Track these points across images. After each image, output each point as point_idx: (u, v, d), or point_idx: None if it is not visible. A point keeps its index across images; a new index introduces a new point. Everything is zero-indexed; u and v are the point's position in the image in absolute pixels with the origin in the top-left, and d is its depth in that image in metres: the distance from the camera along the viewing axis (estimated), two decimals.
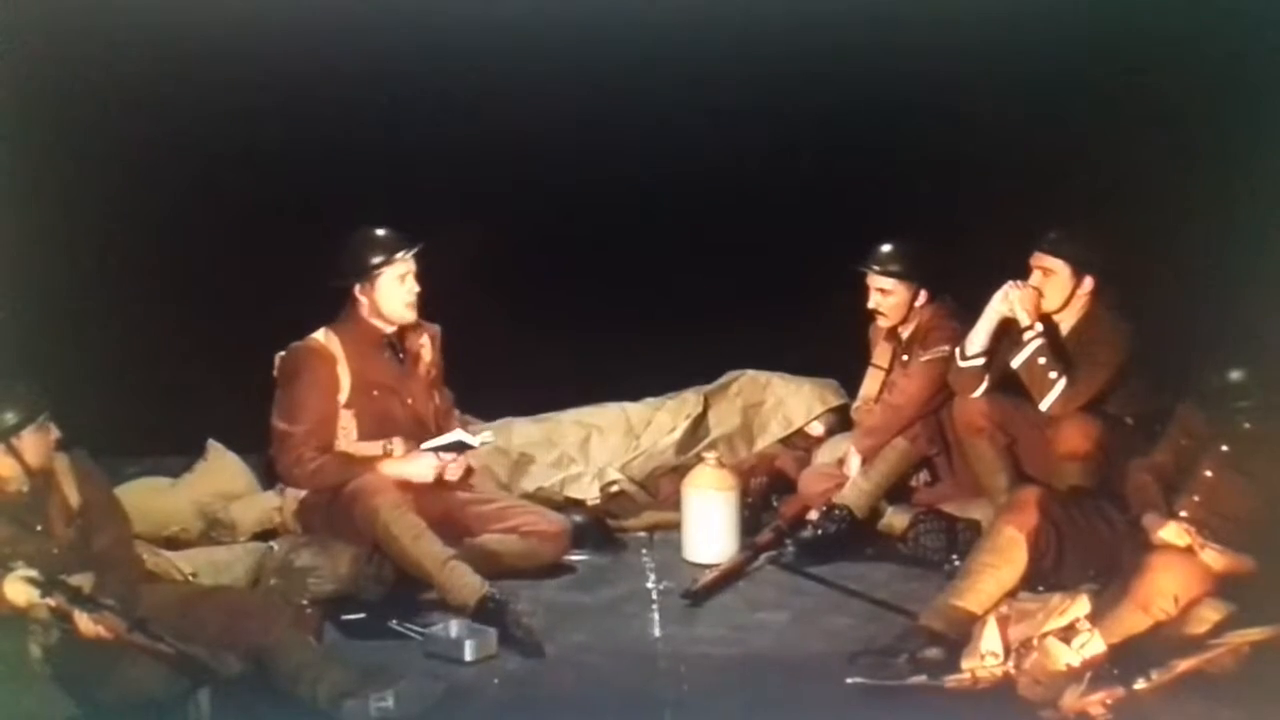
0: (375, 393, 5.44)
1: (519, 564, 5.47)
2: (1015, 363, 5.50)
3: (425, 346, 5.58)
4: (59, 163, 6.10)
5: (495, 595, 5.06)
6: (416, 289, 5.46)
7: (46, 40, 5.96)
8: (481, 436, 5.54)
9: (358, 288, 5.44)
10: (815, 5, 6.05)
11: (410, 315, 5.48)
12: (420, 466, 5.41)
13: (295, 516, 5.49)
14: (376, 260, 5.40)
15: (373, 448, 5.42)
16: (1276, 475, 4.67)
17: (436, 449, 5.43)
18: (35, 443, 4.56)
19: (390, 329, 5.49)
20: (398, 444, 5.45)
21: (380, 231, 5.48)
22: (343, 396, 5.39)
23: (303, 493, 5.46)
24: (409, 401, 5.51)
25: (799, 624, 5.19)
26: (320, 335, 5.45)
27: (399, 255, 5.41)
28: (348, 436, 5.44)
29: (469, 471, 5.58)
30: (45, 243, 6.09)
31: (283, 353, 5.52)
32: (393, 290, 5.43)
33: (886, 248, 5.84)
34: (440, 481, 5.46)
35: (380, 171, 6.34)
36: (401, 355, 5.52)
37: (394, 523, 5.20)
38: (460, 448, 5.45)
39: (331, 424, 5.40)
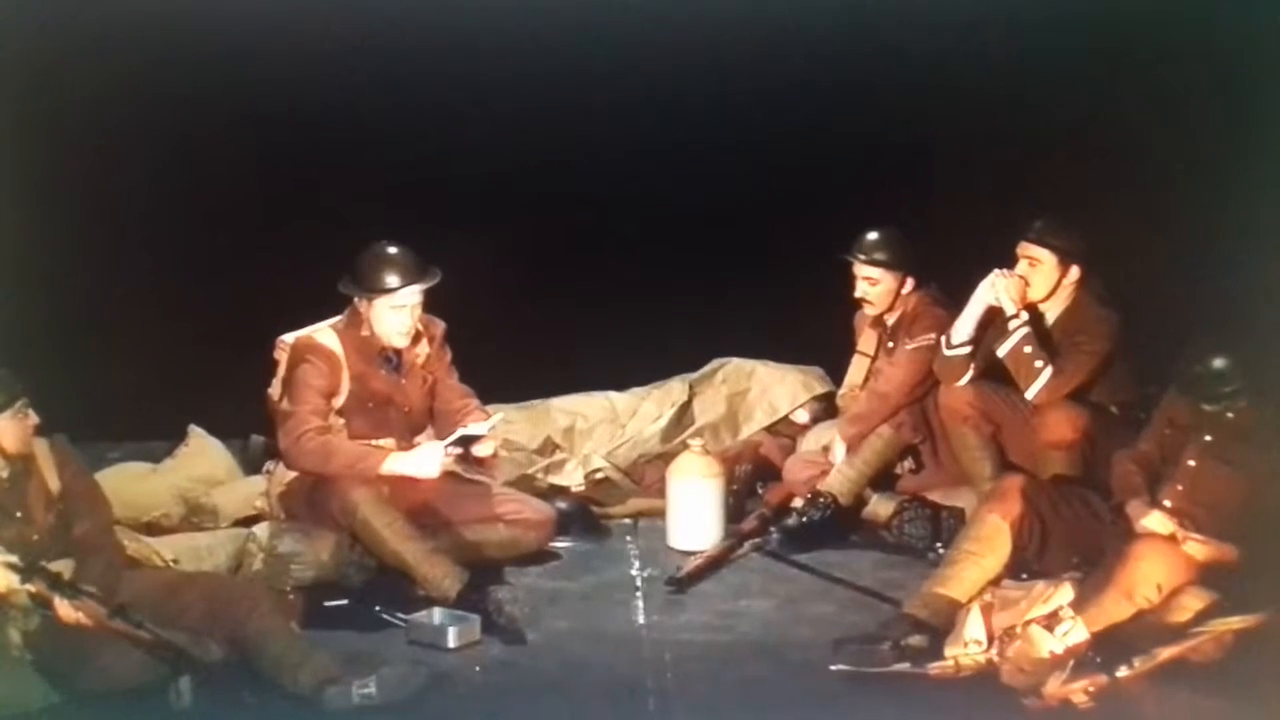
0: (371, 405, 5.37)
1: (503, 553, 5.46)
2: (1001, 351, 5.49)
3: (421, 355, 5.45)
4: (39, 152, 6.06)
5: (475, 588, 5.03)
6: (413, 320, 5.30)
7: (38, 32, 5.94)
8: (490, 421, 5.39)
9: (357, 299, 5.34)
10: None
11: (402, 342, 5.35)
12: (426, 463, 5.27)
13: (278, 502, 5.47)
14: (377, 286, 5.26)
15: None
16: (1259, 464, 4.67)
17: (446, 445, 5.30)
18: (13, 428, 4.54)
19: (387, 343, 5.39)
20: (390, 445, 5.38)
21: (393, 252, 5.29)
22: (338, 401, 5.32)
23: (287, 479, 5.42)
24: (406, 410, 5.44)
25: (783, 611, 5.19)
26: (327, 336, 5.34)
27: (402, 288, 5.25)
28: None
29: (494, 457, 5.44)
30: (26, 230, 6.07)
31: (286, 337, 5.46)
32: (386, 318, 5.30)
33: (873, 236, 5.82)
34: None
35: (370, 162, 6.32)
36: (397, 364, 5.42)
37: (373, 516, 5.16)
38: (470, 441, 5.31)
39: (331, 412, 5.33)
